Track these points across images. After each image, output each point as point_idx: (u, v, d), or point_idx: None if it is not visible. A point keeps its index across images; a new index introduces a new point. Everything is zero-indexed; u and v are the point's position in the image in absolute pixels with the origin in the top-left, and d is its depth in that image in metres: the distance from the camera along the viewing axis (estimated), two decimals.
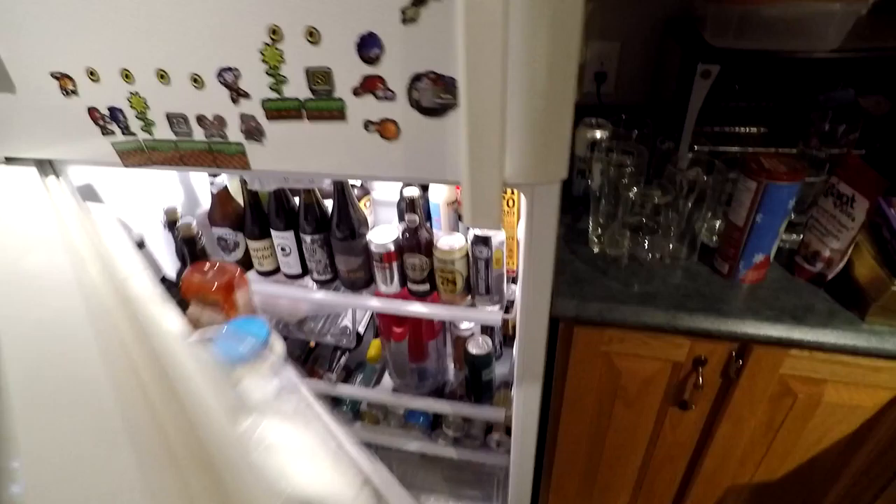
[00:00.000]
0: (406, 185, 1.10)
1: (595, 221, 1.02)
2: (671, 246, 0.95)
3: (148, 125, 0.70)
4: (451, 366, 1.33)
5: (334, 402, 1.36)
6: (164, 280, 1.00)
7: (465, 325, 1.22)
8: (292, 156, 0.67)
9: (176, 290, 0.90)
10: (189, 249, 1.04)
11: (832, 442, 0.96)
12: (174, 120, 0.68)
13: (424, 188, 1.06)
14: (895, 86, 0.96)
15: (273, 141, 0.66)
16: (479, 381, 1.18)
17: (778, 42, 0.93)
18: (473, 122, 0.51)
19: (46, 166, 0.82)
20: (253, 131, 0.66)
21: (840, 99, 0.99)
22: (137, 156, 0.73)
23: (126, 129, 0.71)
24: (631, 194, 0.88)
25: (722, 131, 1.06)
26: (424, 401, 1.23)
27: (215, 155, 0.70)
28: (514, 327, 1.30)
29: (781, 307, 0.86)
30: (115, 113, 0.70)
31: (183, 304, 0.87)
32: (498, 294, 1.03)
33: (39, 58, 0.67)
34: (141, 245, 0.96)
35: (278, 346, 0.74)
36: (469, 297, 1.05)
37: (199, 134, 0.69)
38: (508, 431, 1.25)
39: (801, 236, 0.92)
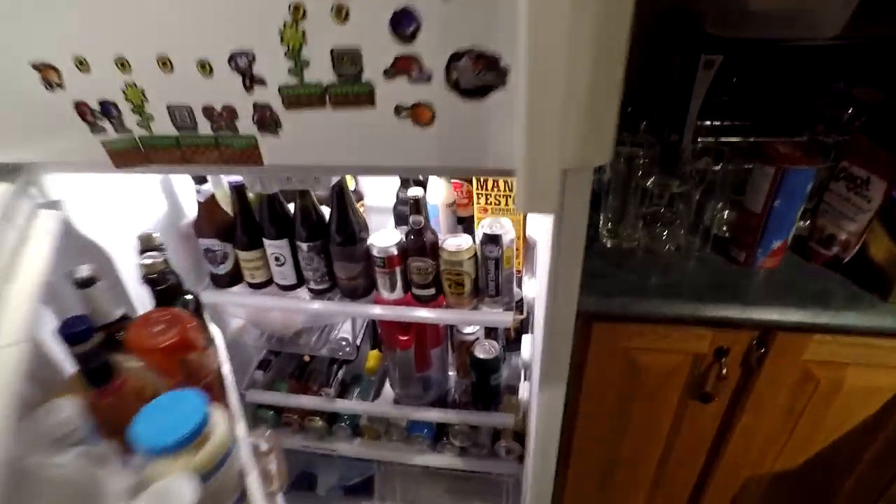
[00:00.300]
0: (405, 184, 1.06)
1: (605, 216, 1.00)
2: (684, 237, 0.94)
3: (145, 120, 0.63)
4: (452, 373, 1.28)
5: (331, 419, 1.29)
6: (125, 319, 0.79)
7: (468, 330, 1.18)
8: (312, 147, 0.62)
9: None
10: (151, 290, 0.84)
11: (853, 425, 0.96)
12: (176, 113, 0.62)
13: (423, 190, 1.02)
14: (887, 75, 0.98)
15: (290, 132, 0.61)
16: (486, 387, 1.13)
17: (778, 31, 0.94)
18: (534, 101, 0.47)
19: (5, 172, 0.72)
20: (268, 122, 0.60)
21: (834, 91, 1.01)
22: (132, 155, 0.66)
23: (120, 126, 0.64)
24: (649, 184, 0.87)
25: (722, 123, 1.07)
26: (430, 411, 1.17)
27: (222, 150, 0.64)
28: (516, 330, 1.27)
29: (802, 292, 0.86)
30: (107, 107, 0.62)
31: None
32: (508, 295, 0.99)
33: (18, 46, 0.59)
34: (92, 281, 0.74)
35: (220, 427, 0.63)
36: (476, 300, 1.01)
37: (204, 127, 0.62)
38: (517, 437, 1.21)
39: (809, 222, 0.93)
